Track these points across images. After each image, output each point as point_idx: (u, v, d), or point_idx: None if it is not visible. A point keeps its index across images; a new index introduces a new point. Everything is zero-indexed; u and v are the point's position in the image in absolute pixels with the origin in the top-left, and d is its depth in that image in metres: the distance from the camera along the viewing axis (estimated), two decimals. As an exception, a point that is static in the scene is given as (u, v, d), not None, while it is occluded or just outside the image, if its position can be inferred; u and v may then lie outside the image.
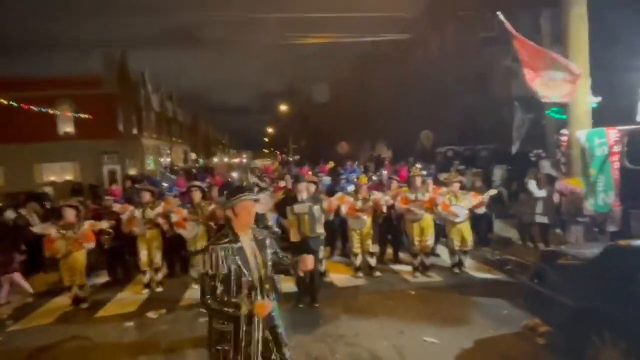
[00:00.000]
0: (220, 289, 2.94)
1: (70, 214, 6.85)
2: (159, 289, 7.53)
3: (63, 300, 7.12)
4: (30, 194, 14.68)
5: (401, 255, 8.68)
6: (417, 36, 23.96)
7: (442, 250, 8.67)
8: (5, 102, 19.10)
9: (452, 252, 7.77)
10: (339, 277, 7.77)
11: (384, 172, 11.77)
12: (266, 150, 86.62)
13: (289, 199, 6.76)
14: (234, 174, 18.65)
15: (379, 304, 6.33)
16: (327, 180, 11.56)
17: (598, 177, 6.40)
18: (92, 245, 6.96)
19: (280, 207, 6.79)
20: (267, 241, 3.22)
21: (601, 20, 8.45)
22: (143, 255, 7.40)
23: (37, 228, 7.32)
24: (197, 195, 7.63)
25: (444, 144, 19.06)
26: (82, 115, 25.45)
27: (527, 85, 6.80)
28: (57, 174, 27.12)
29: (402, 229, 8.33)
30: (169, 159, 44.47)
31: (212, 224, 7.48)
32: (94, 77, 27.10)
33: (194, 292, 7.32)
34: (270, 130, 76.93)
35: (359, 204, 7.44)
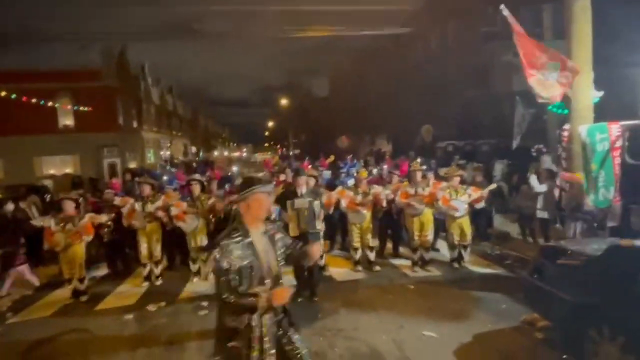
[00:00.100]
0: (234, 282, 2.87)
1: (70, 207, 6.85)
2: (159, 282, 7.54)
3: (63, 293, 7.13)
4: (30, 186, 14.65)
5: (401, 249, 8.69)
6: (417, 30, 23.87)
7: (441, 245, 8.68)
8: (5, 94, 19.04)
9: (452, 247, 7.78)
10: (339, 271, 7.77)
11: (385, 167, 11.76)
12: (266, 144, 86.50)
13: (289, 193, 6.76)
14: (234, 168, 18.65)
15: (379, 298, 6.34)
16: (327, 174, 11.56)
17: (599, 172, 6.38)
18: (90, 238, 6.97)
19: (281, 201, 6.79)
20: (278, 235, 3.18)
21: (604, 15, 8.39)
22: (143, 248, 7.42)
23: (37, 221, 7.32)
24: (196, 189, 7.65)
25: (445, 138, 19.04)
26: (82, 108, 25.38)
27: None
28: (57, 167, 27.09)
29: (402, 223, 8.33)
30: (169, 153, 44.44)
31: (211, 217, 7.50)
32: (93, 70, 27.00)
33: (193, 285, 7.35)
34: (270, 124, 76.88)
35: (359, 198, 7.44)
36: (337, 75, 42.81)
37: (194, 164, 21.06)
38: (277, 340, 3.00)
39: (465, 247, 7.72)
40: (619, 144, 6.31)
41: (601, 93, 7.21)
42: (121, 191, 9.08)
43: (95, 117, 25.74)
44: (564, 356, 4.33)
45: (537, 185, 8.52)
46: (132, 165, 27.68)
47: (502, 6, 6.57)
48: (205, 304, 6.37)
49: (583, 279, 4.17)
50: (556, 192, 8.46)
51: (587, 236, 6.58)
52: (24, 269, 7.62)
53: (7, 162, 25.33)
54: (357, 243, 7.64)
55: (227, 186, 9.90)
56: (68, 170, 26.84)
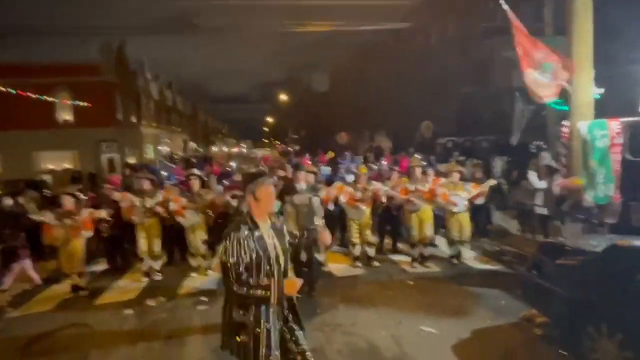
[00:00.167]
0: (244, 275, 2.87)
1: (69, 202, 6.84)
2: (158, 277, 7.54)
3: (62, 288, 7.14)
4: (28, 181, 14.62)
5: (400, 245, 8.69)
6: (417, 25, 23.77)
7: (440, 241, 8.68)
8: (3, 89, 18.97)
9: (451, 243, 7.79)
10: (338, 266, 7.77)
11: (384, 163, 11.75)
12: (266, 140, 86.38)
13: (288, 188, 6.75)
14: (233, 164, 18.61)
15: (377, 294, 6.35)
16: (326, 170, 11.54)
17: (598, 168, 6.39)
18: (89, 234, 6.97)
19: (280, 197, 6.77)
20: (285, 228, 3.21)
21: (605, 12, 8.37)
22: (142, 243, 7.42)
23: (36, 216, 7.30)
24: (196, 184, 7.65)
25: (444, 134, 19.01)
26: (80, 103, 25.31)
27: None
28: (55, 162, 27.01)
29: (401, 219, 8.33)
30: (168, 148, 44.35)
31: (210, 212, 7.50)
32: (92, 64, 26.89)
33: (193, 281, 7.36)
34: (270, 119, 76.66)
35: (358, 194, 7.43)
36: (337, 70, 42.68)
37: (194, 160, 21.03)
38: (282, 335, 3.02)
39: (464, 243, 7.73)
40: (618, 140, 6.31)
41: (602, 90, 7.20)
42: (120, 186, 9.06)
43: (94, 112, 25.66)
44: (563, 353, 4.35)
45: (536, 181, 8.52)
46: (131, 160, 27.64)
47: (502, 1, 6.55)
48: (204, 299, 6.39)
49: (581, 277, 4.18)
50: (556, 189, 8.46)
51: (586, 233, 6.60)
52: (27, 263, 7.61)
53: (5, 157, 25.24)
54: (356, 239, 7.64)
55: (225, 181, 9.89)
56: (67, 165, 26.77)
